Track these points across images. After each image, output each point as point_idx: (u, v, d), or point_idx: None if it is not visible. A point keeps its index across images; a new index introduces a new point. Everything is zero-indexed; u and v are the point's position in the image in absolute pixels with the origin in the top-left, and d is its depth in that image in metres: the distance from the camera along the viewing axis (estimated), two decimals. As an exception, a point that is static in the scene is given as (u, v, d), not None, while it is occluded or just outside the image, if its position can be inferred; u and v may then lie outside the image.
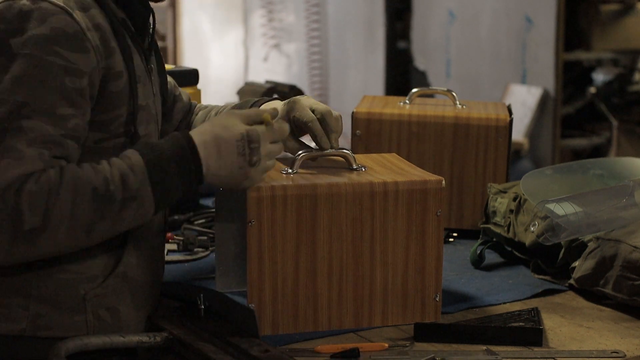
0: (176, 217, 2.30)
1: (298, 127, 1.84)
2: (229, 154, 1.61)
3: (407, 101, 2.36)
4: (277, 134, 1.66)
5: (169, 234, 2.21)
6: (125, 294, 1.69)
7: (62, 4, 1.58)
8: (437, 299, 1.74)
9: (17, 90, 1.54)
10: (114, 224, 1.56)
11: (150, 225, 1.74)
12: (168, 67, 2.45)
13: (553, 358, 1.60)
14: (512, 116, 2.30)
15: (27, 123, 1.53)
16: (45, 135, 1.54)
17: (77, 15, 1.59)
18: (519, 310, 1.79)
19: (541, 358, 1.60)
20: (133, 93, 1.66)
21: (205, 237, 2.18)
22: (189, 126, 2.01)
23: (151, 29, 1.77)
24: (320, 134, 1.81)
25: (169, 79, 1.99)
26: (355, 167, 1.77)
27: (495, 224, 2.12)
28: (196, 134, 1.61)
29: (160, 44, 7.93)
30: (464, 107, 2.33)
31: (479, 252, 2.08)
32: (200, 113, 2.03)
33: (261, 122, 1.65)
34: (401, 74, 6.56)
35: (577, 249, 1.92)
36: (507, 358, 1.60)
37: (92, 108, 1.61)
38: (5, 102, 1.53)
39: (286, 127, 1.68)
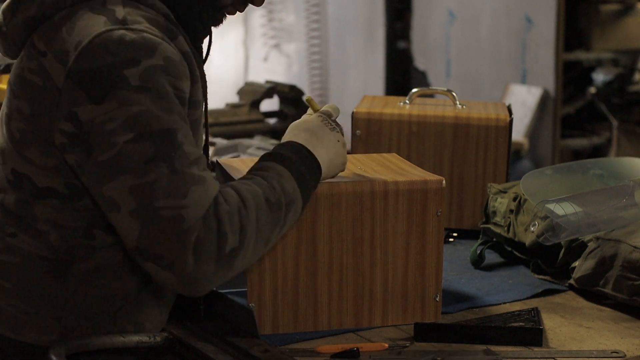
0: (176, 217, 2.29)
1: None
2: (326, 134, 1.67)
3: (407, 101, 2.36)
4: (335, 110, 1.74)
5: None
6: (154, 309, 1.68)
7: (160, 34, 1.55)
8: (437, 299, 1.74)
9: (159, 120, 1.50)
10: (281, 230, 1.59)
11: None
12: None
13: (553, 358, 1.60)
14: (512, 116, 2.30)
15: (186, 148, 1.51)
16: (200, 157, 1.54)
17: (173, 44, 1.57)
18: (519, 310, 1.79)
19: (541, 358, 1.60)
20: (207, 122, 1.70)
21: (205, 237, 2.17)
22: None
23: (206, 52, 1.76)
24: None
25: None
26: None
27: (495, 224, 2.12)
28: (294, 138, 1.67)
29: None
30: (464, 107, 2.33)
31: (479, 252, 2.08)
32: None
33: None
34: (401, 74, 6.55)
35: (577, 249, 1.92)
36: (507, 358, 1.60)
37: None
38: (151, 135, 1.49)
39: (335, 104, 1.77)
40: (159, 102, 1.50)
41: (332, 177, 1.70)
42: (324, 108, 1.73)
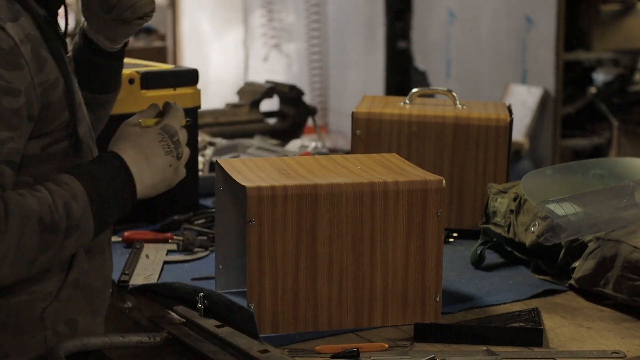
0: (176, 217, 2.30)
1: None
2: (157, 157, 1.62)
3: (407, 101, 2.36)
4: (182, 115, 1.67)
5: (168, 234, 2.22)
6: (81, 302, 1.64)
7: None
8: (438, 299, 1.74)
9: None
10: (55, 254, 1.52)
11: None
12: (168, 67, 2.45)
13: (553, 358, 1.60)
14: (512, 116, 2.30)
15: None
16: None
17: (10, 28, 1.50)
18: (519, 311, 1.79)
19: (541, 358, 1.60)
20: (71, 96, 1.59)
21: (205, 237, 2.18)
22: None
23: (65, 23, 1.70)
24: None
25: None
26: None
27: (495, 224, 2.12)
28: (122, 151, 1.59)
29: (160, 43, 7.95)
30: (464, 107, 2.33)
31: (479, 252, 2.08)
32: None
33: (158, 115, 1.67)
34: (401, 74, 6.56)
35: (577, 249, 1.92)
36: (507, 358, 1.59)
37: (35, 122, 1.53)
38: None
39: (179, 106, 1.69)
40: None
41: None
42: (166, 121, 1.64)
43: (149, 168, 1.61)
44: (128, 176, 1.59)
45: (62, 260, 1.56)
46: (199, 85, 2.46)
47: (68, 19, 1.73)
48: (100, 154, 1.63)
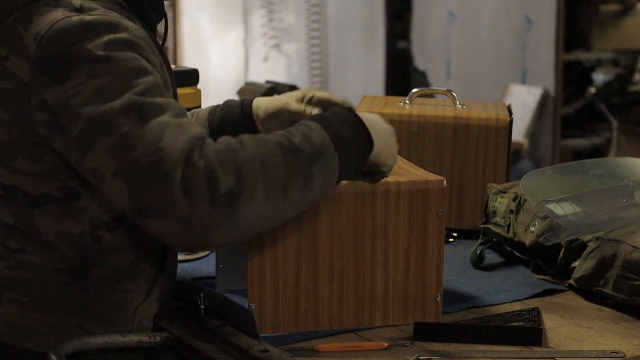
0: (176, 217, 2.30)
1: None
2: (381, 123, 1.60)
3: (407, 101, 2.36)
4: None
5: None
6: (159, 302, 1.71)
7: (119, 16, 1.55)
8: (438, 299, 1.74)
9: (134, 77, 1.45)
10: (306, 182, 1.45)
11: None
12: (168, 67, 2.45)
13: (553, 358, 1.60)
14: (512, 116, 2.30)
15: (157, 99, 1.45)
16: (174, 106, 1.46)
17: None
18: (519, 310, 1.79)
19: (541, 358, 1.60)
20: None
21: (205, 237, 2.17)
22: None
23: (164, 36, 1.76)
24: None
25: None
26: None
27: (495, 224, 2.12)
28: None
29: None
30: (464, 107, 2.33)
31: (479, 252, 2.09)
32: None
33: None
34: (401, 74, 6.56)
35: (577, 249, 1.93)
36: (507, 358, 1.60)
37: None
38: (130, 88, 1.44)
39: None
40: (127, 70, 1.47)
41: (382, 172, 1.60)
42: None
43: (376, 132, 1.57)
44: (363, 127, 1.55)
45: (315, 194, 1.48)
46: (199, 85, 2.46)
47: (167, 32, 1.77)
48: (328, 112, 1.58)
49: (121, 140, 1.42)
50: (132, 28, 1.53)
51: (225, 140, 1.44)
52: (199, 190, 1.38)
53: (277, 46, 7.53)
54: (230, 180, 1.39)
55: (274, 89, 3.62)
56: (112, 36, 1.49)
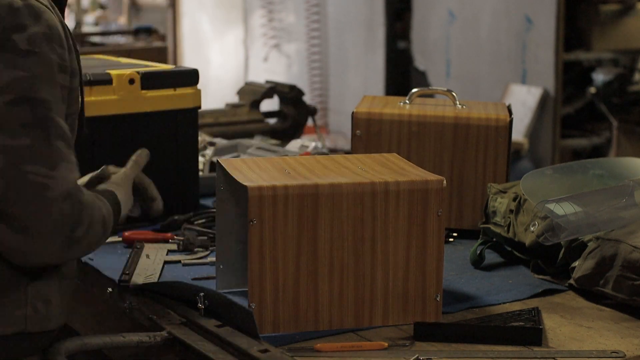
0: (176, 217, 2.30)
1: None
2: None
3: (407, 101, 2.36)
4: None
5: (169, 234, 2.22)
6: (55, 281, 1.67)
7: (45, 2, 1.61)
8: (438, 299, 1.74)
9: (39, 88, 1.56)
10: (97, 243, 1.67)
11: None
12: (168, 67, 2.46)
13: (553, 358, 1.60)
14: (512, 116, 2.30)
15: (60, 122, 1.57)
16: (68, 135, 1.59)
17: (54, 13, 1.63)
18: (519, 310, 1.79)
19: (541, 358, 1.60)
20: (82, 91, 1.73)
21: (205, 237, 2.18)
22: None
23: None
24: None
25: None
26: None
27: (495, 224, 2.12)
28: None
29: (160, 44, 7.95)
30: (464, 107, 2.33)
31: (479, 252, 2.09)
32: None
33: None
34: (401, 74, 6.56)
35: (577, 249, 1.93)
36: (507, 358, 1.60)
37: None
38: (31, 100, 1.55)
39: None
40: (44, 70, 1.56)
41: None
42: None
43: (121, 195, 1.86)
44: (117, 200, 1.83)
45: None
46: (199, 86, 2.46)
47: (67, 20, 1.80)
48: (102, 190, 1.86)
49: (20, 149, 1.53)
50: (52, 20, 1.60)
51: (90, 196, 1.63)
52: (62, 230, 1.55)
53: (277, 46, 7.53)
54: (81, 231, 1.58)
55: (274, 89, 3.63)
56: (33, 30, 1.56)
